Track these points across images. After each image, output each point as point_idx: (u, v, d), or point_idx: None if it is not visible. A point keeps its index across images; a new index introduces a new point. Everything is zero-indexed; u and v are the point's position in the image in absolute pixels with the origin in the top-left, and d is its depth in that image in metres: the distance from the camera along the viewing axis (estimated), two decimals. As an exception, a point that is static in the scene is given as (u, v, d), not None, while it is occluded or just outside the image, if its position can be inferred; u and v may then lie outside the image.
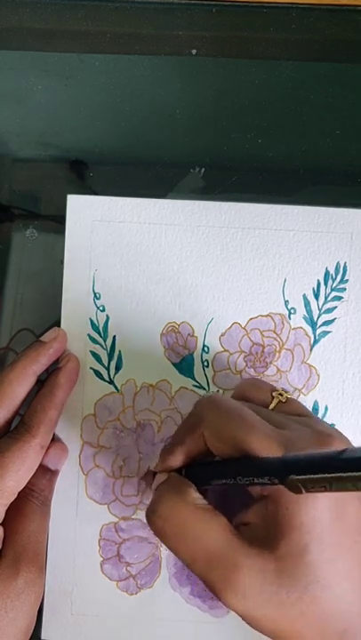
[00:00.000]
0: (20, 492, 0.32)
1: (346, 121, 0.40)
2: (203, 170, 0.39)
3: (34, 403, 0.34)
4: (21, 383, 0.33)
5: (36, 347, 0.34)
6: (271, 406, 0.31)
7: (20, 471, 0.31)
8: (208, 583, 0.26)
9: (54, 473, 0.35)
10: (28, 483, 0.32)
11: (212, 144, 0.40)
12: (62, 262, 0.36)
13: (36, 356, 0.34)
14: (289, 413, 0.30)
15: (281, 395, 0.31)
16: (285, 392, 0.32)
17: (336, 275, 0.36)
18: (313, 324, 0.36)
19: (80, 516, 0.36)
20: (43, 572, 0.32)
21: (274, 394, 0.31)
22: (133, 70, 0.40)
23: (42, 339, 0.35)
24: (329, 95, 0.40)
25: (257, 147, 0.40)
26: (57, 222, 0.38)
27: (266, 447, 0.26)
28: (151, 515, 0.28)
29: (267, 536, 0.26)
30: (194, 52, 0.40)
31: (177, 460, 0.30)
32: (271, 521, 0.26)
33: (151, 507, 0.28)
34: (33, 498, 0.33)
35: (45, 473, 0.34)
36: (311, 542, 0.25)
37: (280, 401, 0.31)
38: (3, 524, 0.31)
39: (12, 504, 0.31)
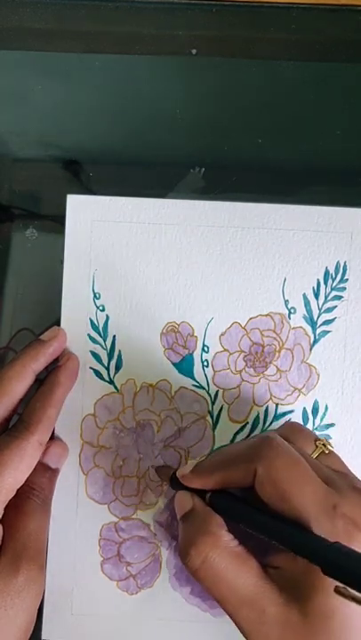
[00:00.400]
0: (20, 491, 0.32)
1: (346, 121, 0.40)
2: (203, 170, 0.39)
3: (33, 400, 0.34)
4: (20, 381, 0.33)
5: (35, 345, 0.34)
6: (314, 456, 0.31)
7: (19, 468, 0.31)
8: (236, 622, 0.27)
9: (54, 471, 0.35)
10: (28, 481, 0.32)
11: (212, 144, 0.40)
12: (62, 262, 0.36)
13: (36, 355, 0.34)
14: (328, 466, 0.30)
15: (325, 445, 0.31)
16: (328, 443, 0.31)
17: (336, 274, 0.36)
18: (313, 324, 0.36)
19: (80, 516, 0.36)
20: (43, 570, 0.32)
21: (318, 443, 0.31)
22: (133, 70, 0.40)
23: (41, 338, 0.35)
24: (329, 95, 0.40)
25: (257, 147, 0.40)
26: (57, 222, 0.38)
27: (313, 507, 0.26)
28: (184, 558, 0.28)
29: (295, 586, 0.26)
30: (194, 51, 0.40)
31: (212, 482, 0.30)
32: (301, 573, 0.26)
33: (183, 549, 0.28)
34: (33, 496, 0.33)
35: (45, 471, 0.34)
36: (339, 607, 0.25)
37: (323, 452, 0.31)
38: (3, 522, 0.31)
39: (12, 502, 0.31)
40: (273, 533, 0.27)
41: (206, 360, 0.36)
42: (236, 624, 0.27)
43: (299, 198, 0.38)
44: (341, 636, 0.25)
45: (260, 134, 0.40)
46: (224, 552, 0.27)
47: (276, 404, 0.36)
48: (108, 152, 0.40)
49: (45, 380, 0.35)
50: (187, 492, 0.31)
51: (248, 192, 0.39)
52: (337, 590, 0.23)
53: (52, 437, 0.35)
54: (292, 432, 0.31)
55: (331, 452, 0.31)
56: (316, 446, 0.31)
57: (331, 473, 0.29)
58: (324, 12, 0.40)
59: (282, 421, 0.36)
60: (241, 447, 0.30)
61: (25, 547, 0.31)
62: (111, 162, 0.40)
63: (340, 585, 0.23)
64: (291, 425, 0.33)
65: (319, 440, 0.31)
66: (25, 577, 0.30)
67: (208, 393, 0.36)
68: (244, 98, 0.40)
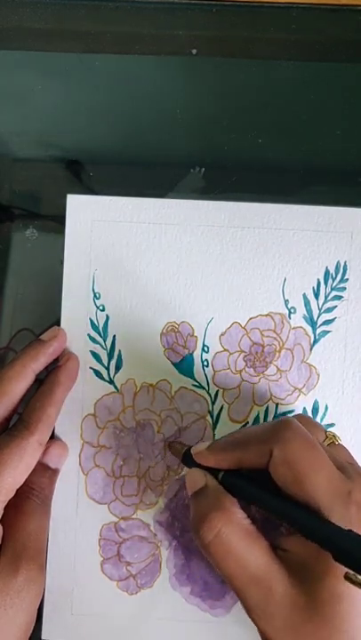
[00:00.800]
0: (20, 491, 0.32)
1: (346, 121, 0.40)
2: (203, 170, 0.39)
3: (32, 400, 0.34)
4: (20, 381, 0.33)
5: (35, 345, 0.34)
6: (325, 444, 0.31)
7: (18, 468, 0.31)
8: (242, 599, 0.27)
9: (55, 471, 0.35)
10: (28, 481, 0.32)
11: (212, 144, 0.40)
12: (62, 262, 0.36)
13: (36, 355, 0.34)
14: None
15: (335, 437, 0.32)
16: (337, 436, 0.32)
17: (336, 274, 0.36)
18: (313, 324, 0.36)
19: (80, 516, 0.36)
20: (43, 570, 0.32)
21: (328, 434, 0.32)
22: (133, 70, 0.40)
23: (41, 337, 0.35)
24: (329, 95, 0.40)
25: (257, 147, 0.40)
26: (57, 222, 0.38)
27: (328, 492, 0.27)
28: (196, 532, 0.28)
29: (304, 569, 0.27)
30: (194, 51, 0.40)
31: (228, 461, 0.30)
32: (311, 557, 0.26)
33: (196, 524, 0.29)
34: (33, 496, 0.33)
35: (46, 471, 0.34)
36: (348, 593, 0.25)
37: (332, 442, 0.32)
38: (2, 522, 0.31)
39: (12, 502, 0.31)
40: (286, 516, 0.27)
41: (206, 360, 0.36)
42: (242, 602, 0.27)
43: (299, 198, 0.38)
44: (348, 621, 0.26)
45: (261, 134, 0.40)
46: (236, 528, 0.28)
47: (277, 404, 0.36)
48: (108, 152, 0.40)
49: (45, 380, 0.35)
50: (199, 470, 0.31)
51: (248, 192, 0.39)
52: (347, 577, 0.24)
53: (52, 437, 0.35)
54: (303, 423, 0.31)
55: (340, 444, 0.32)
56: (327, 437, 0.32)
57: (343, 462, 0.30)
58: (324, 12, 0.40)
59: (282, 421, 0.36)
60: (258, 428, 0.30)
61: (25, 546, 0.31)
62: (111, 162, 0.40)
63: (351, 572, 0.24)
64: (301, 416, 0.34)
65: (328, 431, 0.32)
66: (24, 577, 0.30)
67: (208, 393, 0.36)
68: (244, 98, 0.40)
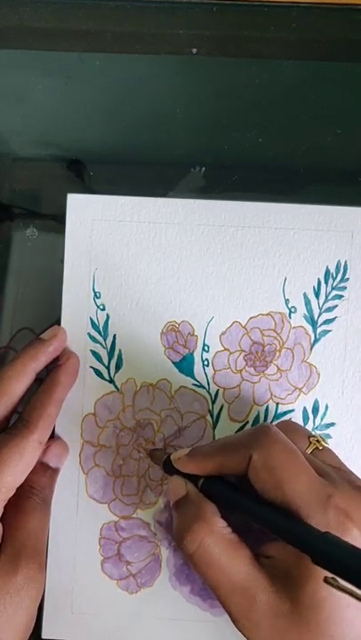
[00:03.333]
0: (20, 490, 0.32)
1: (346, 120, 0.40)
2: (203, 169, 0.39)
3: (33, 399, 0.34)
4: (20, 380, 0.33)
5: (35, 344, 0.34)
6: (308, 451, 0.31)
7: (18, 467, 0.31)
8: (227, 609, 0.27)
9: (55, 471, 0.35)
10: (28, 480, 0.32)
11: (212, 143, 0.40)
12: (62, 261, 0.36)
13: (36, 354, 0.34)
14: (323, 461, 0.31)
15: (318, 441, 0.32)
16: (322, 439, 0.32)
17: (337, 273, 0.36)
18: (313, 323, 0.36)
19: (80, 515, 0.36)
20: (43, 569, 0.32)
21: (311, 439, 0.32)
22: (133, 70, 0.40)
23: (42, 337, 0.35)
24: (329, 95, 0.40)
25: (257, 146, 0.40)
26: (57, 221, 0.38)
27: (307, 496, 0.27)
28: (179, 543, 0.28)
29: (287, 575, 0.27)
30: (194, 51, 0.40)
31: (208, 467, 0.30)
32: (293, 563, 0.26)
33: (179, 534, 0.29)
34: (33, 495, 0.33)
35: (46, 471, 0.34)
36: (329, 598, 0.25)
37: (316, 448, 0.31)
38: (3, 521, 0.31)
39: (12, 501, 0.31)
40: (265, 521, 0.27)
41: (207, 359, 0.36)
42: (226, 611, 0.28)
43: (299, 197, 0.39)
44: (331, 626, 0.26)
45: (261, 134, 0.40)
46: (218, 538, 0.28)
47: (277, 404, 0.36)
48: (108, 151, 0.40)
49: (46, 379, 0.35)
50: (180, 478, 0.31)
51: (248, 191, 0.39)
52: (326, 580, 0.24)
53: (53, 436, 0.35)
54: (286, 429, 0.31)
55: (325, 448, 0.32)
56: (310, 442, 0.31)
57: (325, 467, 0.30)
58: (324, 12, 0.40)
59: (282, 421, 0.36)
60: (238, 435, 0.30)
61: (24, 545, 0.31)
62: (112, 161, 0.40)
63: (329, 575, 0.24)
64: (284, 423, 0.34)
65: (313, 436, 0.32)
66: (24, 575, 0.30)
67: (208, 392, 0.36)
68: (245, 97, 0.40)
